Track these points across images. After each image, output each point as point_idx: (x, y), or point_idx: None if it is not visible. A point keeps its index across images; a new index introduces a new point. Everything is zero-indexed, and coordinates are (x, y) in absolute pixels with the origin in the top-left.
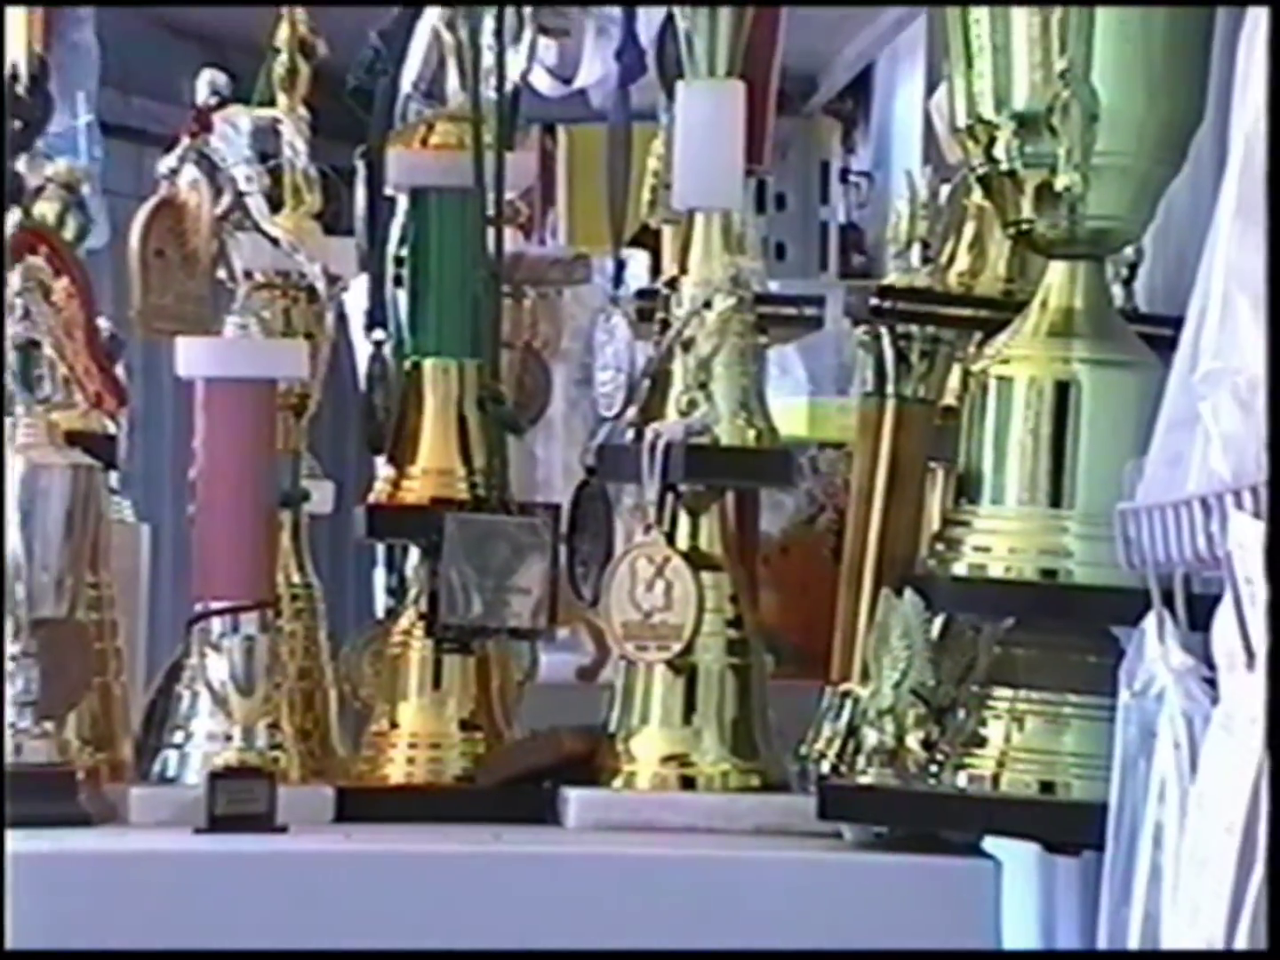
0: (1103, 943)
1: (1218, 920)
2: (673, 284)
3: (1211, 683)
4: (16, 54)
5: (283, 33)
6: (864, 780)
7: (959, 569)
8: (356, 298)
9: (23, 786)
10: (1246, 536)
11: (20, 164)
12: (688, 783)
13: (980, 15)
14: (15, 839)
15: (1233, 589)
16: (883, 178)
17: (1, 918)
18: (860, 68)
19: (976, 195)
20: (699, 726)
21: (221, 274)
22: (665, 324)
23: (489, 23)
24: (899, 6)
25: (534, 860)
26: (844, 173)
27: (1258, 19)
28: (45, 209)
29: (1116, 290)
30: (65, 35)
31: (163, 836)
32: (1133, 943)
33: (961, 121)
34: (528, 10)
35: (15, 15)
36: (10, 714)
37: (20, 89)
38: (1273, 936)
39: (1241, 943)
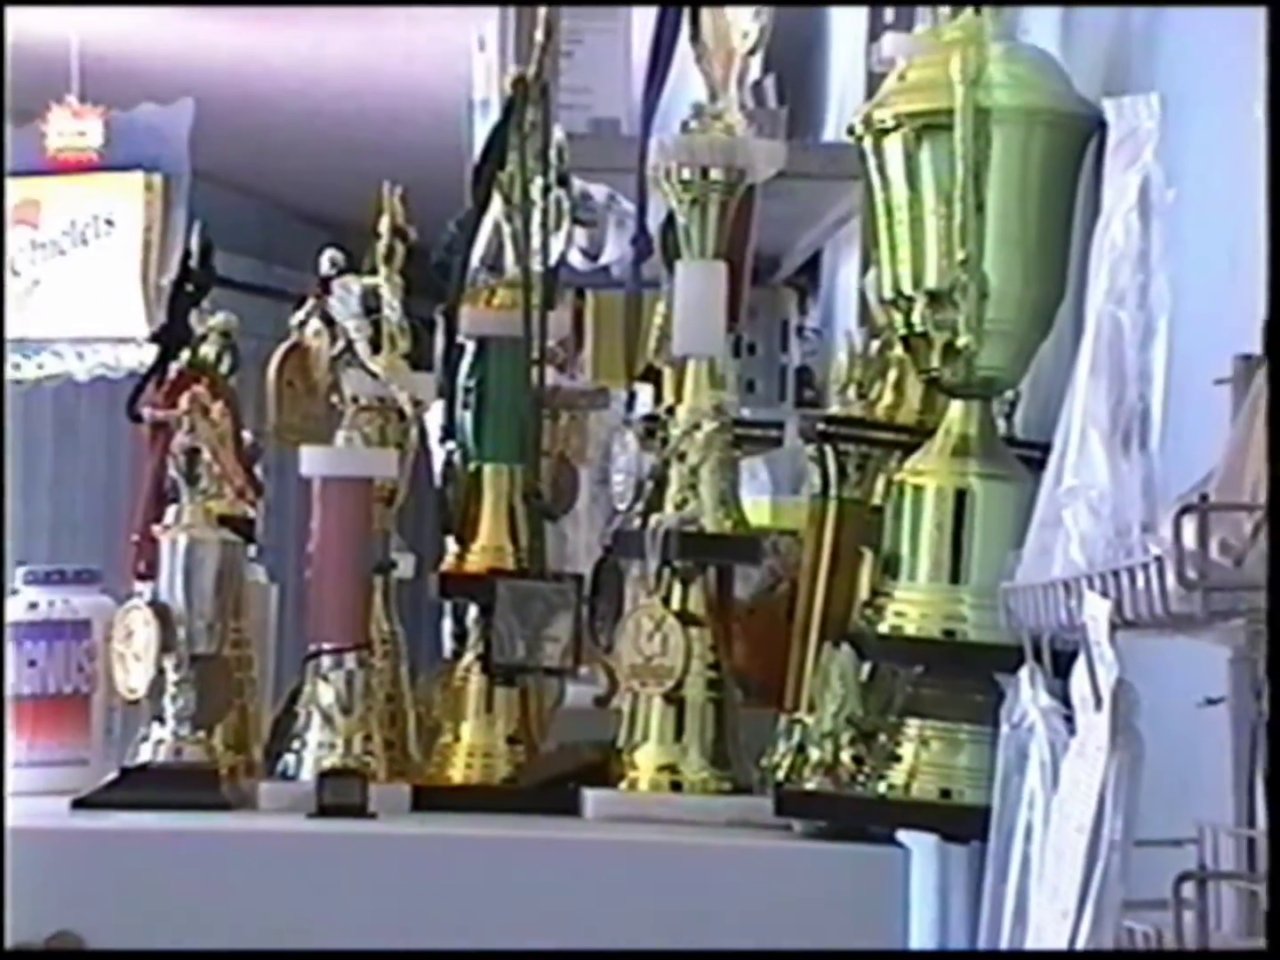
0: (985, 912)
1: (1071, 898)
2: (671, 411)
3: (1069, 719)
4: (192, 240)
5: (384, 221)
6: (809, 786)
7: (883, 628)
8: (434, 417)
9: (180, 780)
10: (1096, 610)
11: (192, 318)
12: (676, 786)
13: (902, 217)
14: (174, 819)
15: (1086, 649)
16: (828, 334)
17: (1, 918)
18: (811, 253)
19: (898, 350)
20: (686, 744)
21: (335, 399)
22: (665, 441)
23: (537, 216)
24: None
25: (560, 843)
26: (799, 329)
27: (1109, 220)
28: (207, 350)
29: (1000, 422)
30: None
31: (283, 820)
32: (1007, 913)
33: (887, 295)
34: (566, 207)
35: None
36: (172, 724)
37: (192, 262)
38: (1272, 936)
39: (1088, 916)
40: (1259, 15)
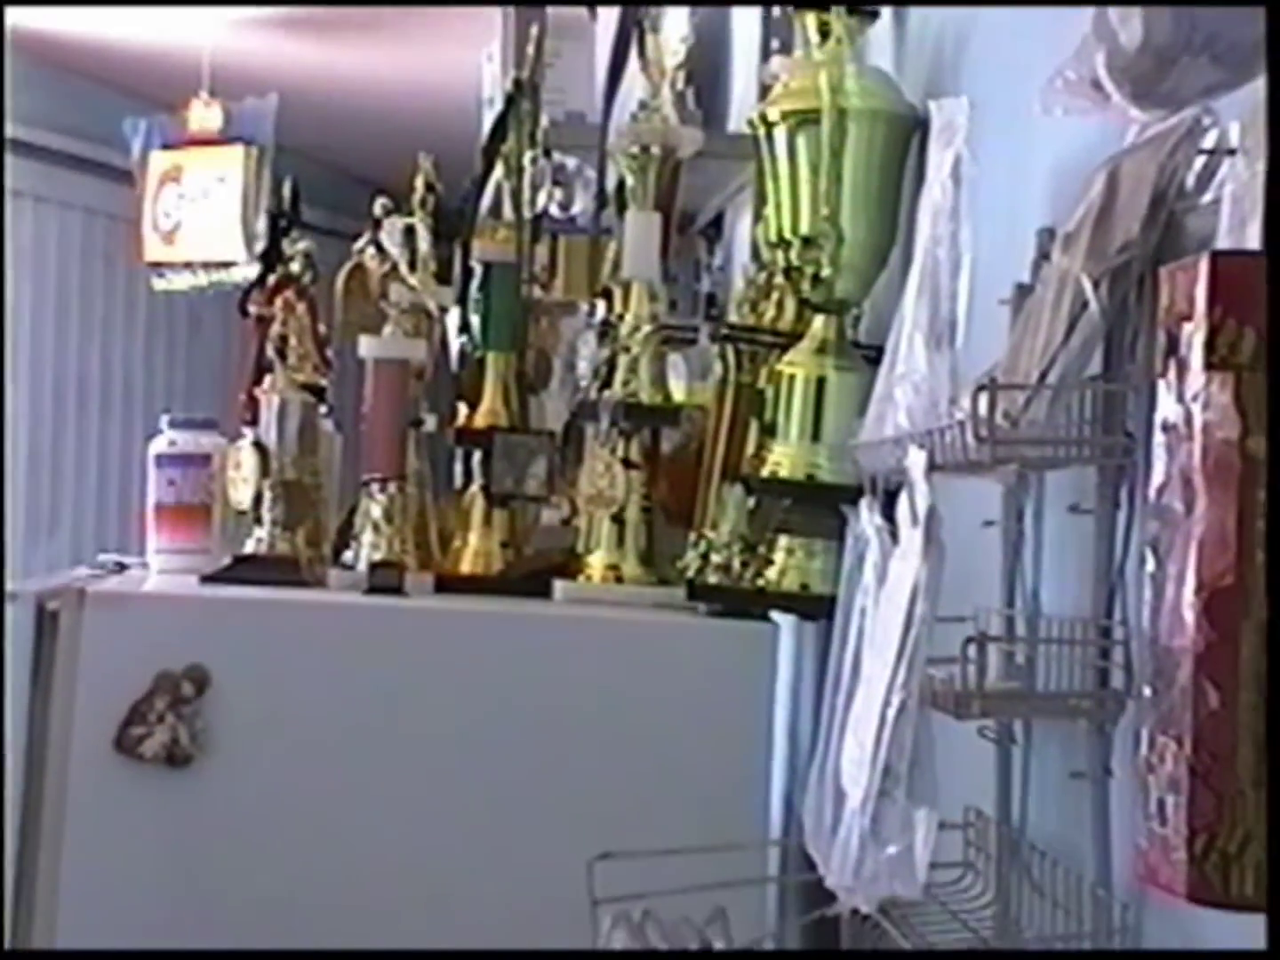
0: (832, 666)
1: (891, 655)
2: (619, 318)
3: (893, 534)
4: (285, 191)
5: (419, 180)
6: (711, 581)
7: (764, 473)
8: (453, 318)
9: (273, 566)
10: (916, 459)
11: (284, 244)
12: (619, 579)
13: (783, 185)
14: (269, 592)
15: (908, 485)
16: (729, 269)
17: (1, 923)
18: (718, 210)
19: (779, 279)
20: (625, 550)
21: (383, 304)
22: (614, 339)
23: (527, 179)
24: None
25: (537, 617)
26: (709, 265)
27: (930, 185)
28: (295, 266)
29: (849, 330)
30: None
31: (345, 596)
32: (846, 667)
33: (771, 239)
34: (547, 173)
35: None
36: (268, 527)
37: (285, 205)
38: (1272, 936)
39: (904, 668)
40: (1041, 39)
